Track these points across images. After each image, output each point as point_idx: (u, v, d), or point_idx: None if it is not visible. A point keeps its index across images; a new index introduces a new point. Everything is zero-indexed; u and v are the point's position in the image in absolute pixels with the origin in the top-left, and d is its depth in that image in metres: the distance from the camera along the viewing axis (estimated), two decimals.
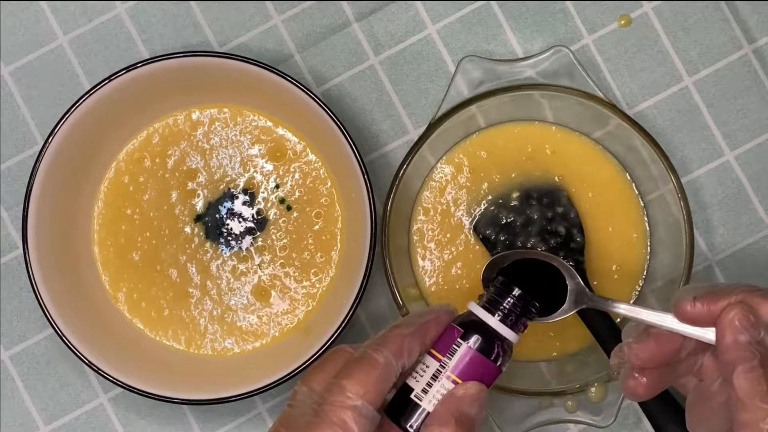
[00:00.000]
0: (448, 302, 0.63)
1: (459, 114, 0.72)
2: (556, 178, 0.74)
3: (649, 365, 0.59)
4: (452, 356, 0.59)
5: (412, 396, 0.59)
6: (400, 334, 0.59)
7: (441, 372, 0.59)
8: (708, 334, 0.57)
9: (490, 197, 0.74)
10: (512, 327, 0.61)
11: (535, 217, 0.73)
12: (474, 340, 0.60)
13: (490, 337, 0.60)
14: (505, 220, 0.74)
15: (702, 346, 0.59)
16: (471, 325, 0.60)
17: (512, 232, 0.73)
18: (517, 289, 0.61)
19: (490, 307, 0.61)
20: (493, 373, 0.60)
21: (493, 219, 0.74)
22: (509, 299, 0.61)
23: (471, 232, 0.74)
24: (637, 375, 0.59)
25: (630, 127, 0.71)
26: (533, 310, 0.62)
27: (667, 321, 0.59)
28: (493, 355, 0.60)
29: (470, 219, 0.74)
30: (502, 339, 0.60)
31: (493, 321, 0.61)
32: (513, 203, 0.74)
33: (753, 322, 0.55)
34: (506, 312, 0.61)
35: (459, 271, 0.74)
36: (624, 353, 0.60)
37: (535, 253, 0.70)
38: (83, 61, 0.78)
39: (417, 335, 0.59)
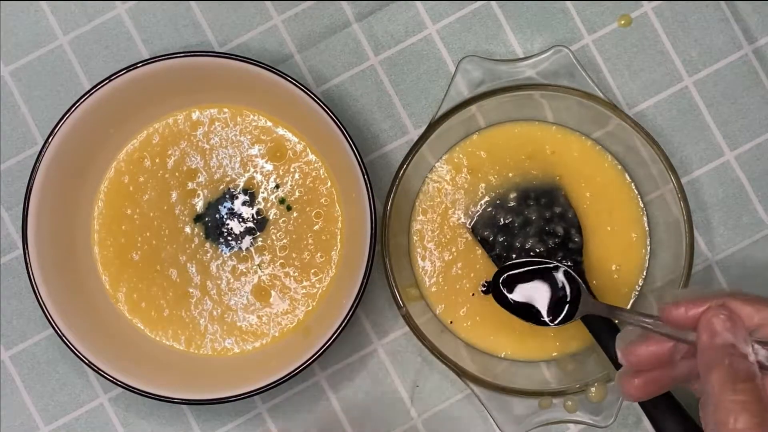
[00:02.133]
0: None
1: (459, 114, 0.72)
2: (555, 178, 0.74)
3: (642, 367, 0.60)
4: None
5: None
6: None
7: None
8: (691, 337, 0.58)
9: (487, 198, 0.74)
10: None
11: (533, 217, 0.73)
12: None
13: None
14: (503, 221, 0.74)
15: None
16: None
17: (510, 233, 0.73)
18: None
19: None
20: None
21: (491, 220, 0.74)
22: None
23: (470, 233, 0.74)
24: (631, 376, 0.60)
25: (630, 127, 0.71)
26: None
27: (656, 325, 0.59)
28: None
29: (469, 220, 0.74)
30: None
31: None
32: (511, 204, 0.74)
33: (729, 327, 0.55)
34: None
35: (459, 272, 0.74)
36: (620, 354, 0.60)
37: (546, 262, 0.70)
38: (83, 61, 0.78)
39: None
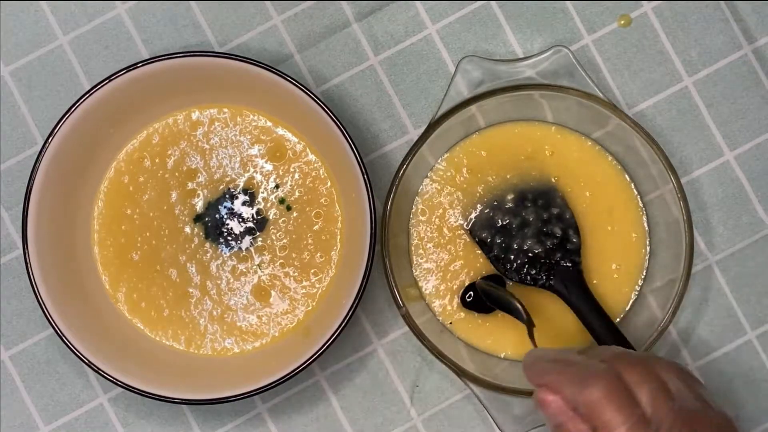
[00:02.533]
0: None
1: (459, 114, 0.71)
2: (553, 179, 0.74)
3: None
4: None
5: None
6: None
7: None
8: None
9: (485, 199, 0.74)
10: None
11: (531, 218, 0.73)
12: None
13: None
14: (500, 223, 0.74)
15: None
16: None
17: (508, 234, 0.73)
18: None
19: None
20: None
21: (488, 222, 0.74)
22: None
23: (468, 234, 0.74)
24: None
25: (630, 127, 0.71)
26: None
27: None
28: None
29: (467, 222, 0.74)
30: None
31: None
32: (508, 205, 0.74)
33: (552, 411, 0.58)
34: None
35: (459, 271, 0.74)
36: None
37: (492, 286, 0.73)
38: (83, 61, 0.78)
39: None
